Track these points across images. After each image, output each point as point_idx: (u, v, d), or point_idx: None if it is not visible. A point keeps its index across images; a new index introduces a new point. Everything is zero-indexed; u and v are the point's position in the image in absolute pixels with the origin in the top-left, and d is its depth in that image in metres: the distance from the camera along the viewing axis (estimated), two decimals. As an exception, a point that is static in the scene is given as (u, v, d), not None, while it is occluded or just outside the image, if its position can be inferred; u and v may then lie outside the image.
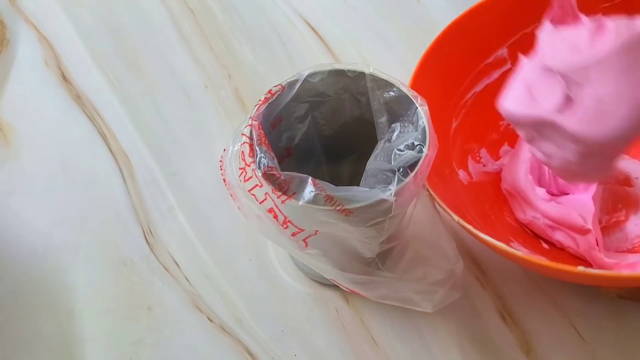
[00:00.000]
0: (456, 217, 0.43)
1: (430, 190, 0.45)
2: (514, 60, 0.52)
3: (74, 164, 0.58)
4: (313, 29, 0.66)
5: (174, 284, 0.51)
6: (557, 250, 0.50)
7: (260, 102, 0.44)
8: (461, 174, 0.52)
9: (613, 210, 0.51)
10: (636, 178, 0.53)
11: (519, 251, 0.45)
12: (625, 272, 0.45)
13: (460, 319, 0.48)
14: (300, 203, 0.40)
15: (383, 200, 0.40)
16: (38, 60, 0.64)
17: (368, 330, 0.48)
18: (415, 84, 0.48)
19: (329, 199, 0.39)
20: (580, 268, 0.42)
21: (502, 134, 0.54)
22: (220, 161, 0.43)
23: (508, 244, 0.44)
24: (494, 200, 0.52)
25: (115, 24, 0.67)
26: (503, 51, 0.53)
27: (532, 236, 0.51)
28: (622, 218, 0.51)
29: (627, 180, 0.53)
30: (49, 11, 0.68)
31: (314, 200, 0.39)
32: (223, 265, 0.52)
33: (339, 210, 0.39)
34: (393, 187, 0.40)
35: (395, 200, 0.40)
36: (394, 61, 0.62)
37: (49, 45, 0.65)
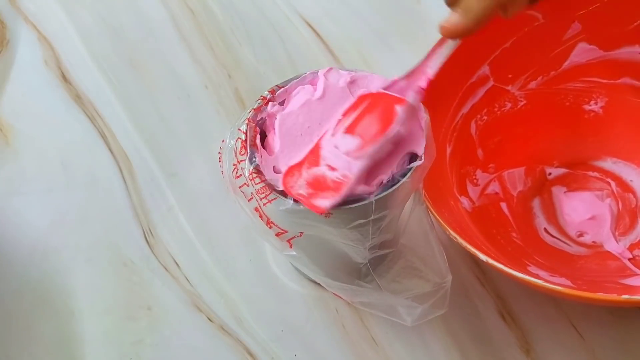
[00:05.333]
0: (482, 255, 0.43)
1: (442, 222, 0.44)
2: (497, 76, 0.53)
3: (74, 164, 0.58)
4: (313, 29, 0.66)
5: (174, 284, 0.51)
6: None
7: (261, 101, 0.44)
8: (464, 201, 0.52)
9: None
10: (631, 180, 0.53)
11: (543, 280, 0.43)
12: None
13: (460, 318, 0.48)
14: (281, 208, 0.40)
15: (362, 203, 0.40)
16: (38, 60, 0.64)
17: (368, 330, 0.48)
18: None
19: None
20: (625, 297, 0.40)
21: (490, 152, 0.54)
22: (219, 152, 0.43)
23: (525, 269, 0.45)
24: (498, 223, 0.52)
25: (115, 24, 0.67)
26: (485, 69, 0.53)
27: (545, 251, 0.51)
28: None
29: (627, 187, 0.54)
30: (49, 11, 0.68)
31: (294, 205, 0.40)
32: (223, 265, 0.52)
33: None
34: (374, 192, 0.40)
35: (375, 204, 0.40)
36: (394, 61, 0.62)
37: (49, 45, 0.65)
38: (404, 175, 0.41)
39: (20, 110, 0.61)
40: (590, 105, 0.55)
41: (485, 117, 0.54)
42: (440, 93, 0.51)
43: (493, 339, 0.47)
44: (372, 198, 0.40)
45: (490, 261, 0.42)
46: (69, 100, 0.61)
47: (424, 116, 0.43)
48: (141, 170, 0.57)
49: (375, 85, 0.44)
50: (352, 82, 0.44)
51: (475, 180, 0.53)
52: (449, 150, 0.52)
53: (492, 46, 0.53)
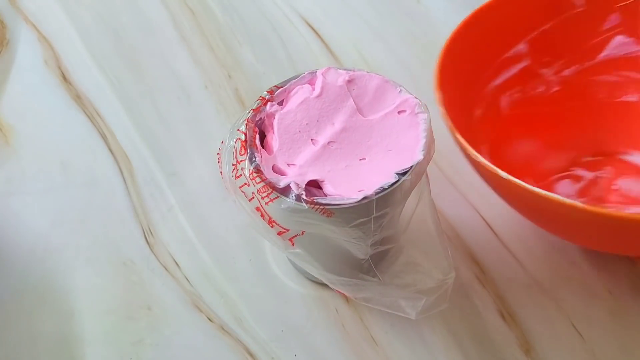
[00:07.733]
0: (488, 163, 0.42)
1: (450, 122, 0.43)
2: (534, 57, 0.53)
3: (73, 164, 0.58)
4: (313, 29, 0.66)
5: (174, 284, 0.51)
6: None
7: (260, 102, 0.44)
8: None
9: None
10: None
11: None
12: None
13: (460, 318, 0.48)
14: (282, 206, 0.40)
15: (363, 202, 0.40)
16: (38, 60, 0.64)
17: (368, 330, 0.48)
18: (443, 66, 0.47)
19: (311, 202, 0.40)
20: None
21: (516, 127, 0.53)
22: (218, 154, 0.43)
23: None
24: None
25: (115, 24, 0.67)
26: (523, 46, 0.53)
27: None
28: None
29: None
30: (49, 11, 0.68)
31: (296, 204, 0.40)
32: (223, 265, 0.52)
33: (320, 212, 0.40)
34: (372, 190, 0.40)
35: (377, 202, 0.40)
36: (394, 61, 0.62)
37: (49, 45, 0.65)
38: (404, 173, 0.41)
39: (20, 110, 0.61)
40: (622, 99, 0.54)
41: (517, 95, 0.53)
42: (474, 57, 0.51)
43: (493, 338, 0.47)
44: (374, 196, 0.40)
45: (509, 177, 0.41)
46: (69, 100, 0.61)
47: (424, 115, 0.43)
48: (141, 170, 0.57)
49: (374, 83, 0.44)
50: (350, 81, 0.44)
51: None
52: (477, 113, 0.52)
53: (532, 24, 0.52)
